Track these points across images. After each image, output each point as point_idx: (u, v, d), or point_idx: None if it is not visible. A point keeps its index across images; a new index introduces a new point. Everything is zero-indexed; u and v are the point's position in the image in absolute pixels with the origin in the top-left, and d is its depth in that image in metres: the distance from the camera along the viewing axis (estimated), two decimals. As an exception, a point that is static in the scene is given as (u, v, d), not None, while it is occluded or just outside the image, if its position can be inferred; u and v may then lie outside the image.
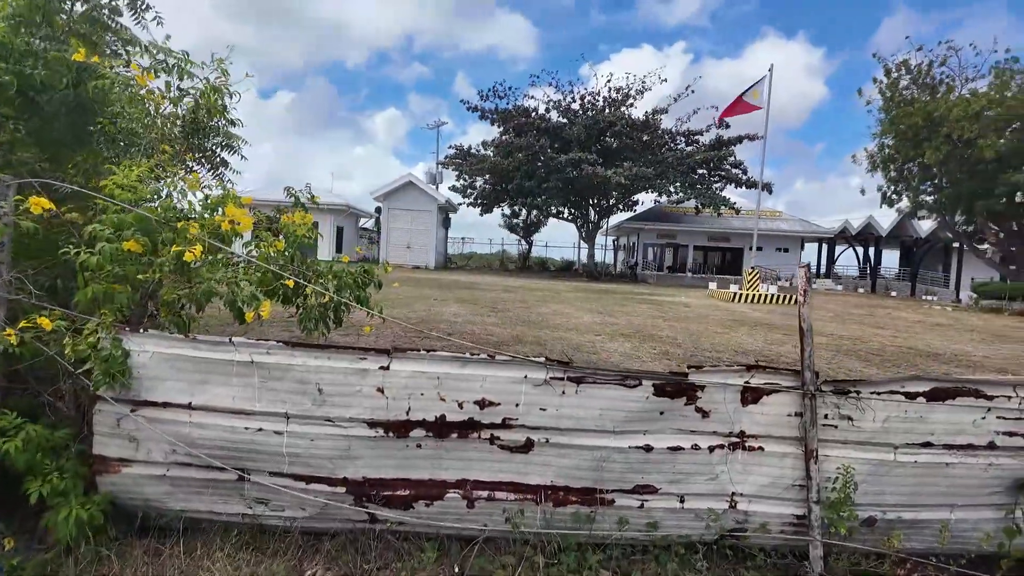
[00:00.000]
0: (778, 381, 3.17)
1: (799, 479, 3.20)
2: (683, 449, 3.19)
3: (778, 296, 20.60)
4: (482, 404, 3.09)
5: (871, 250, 39.33)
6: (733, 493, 3.24)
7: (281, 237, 4.01)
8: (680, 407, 3.17)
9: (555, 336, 9.43)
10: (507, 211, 38.64)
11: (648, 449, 3.17)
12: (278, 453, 3.19)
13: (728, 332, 11.54)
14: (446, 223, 36.89)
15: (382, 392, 3.09)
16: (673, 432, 3.19)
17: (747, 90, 22.97)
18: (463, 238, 45.41)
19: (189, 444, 3.18)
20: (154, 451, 3.22)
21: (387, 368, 3.08)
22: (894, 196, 28.64)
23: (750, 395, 3.17)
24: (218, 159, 5.39)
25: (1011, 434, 3.13)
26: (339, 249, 33.10)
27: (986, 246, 27.67)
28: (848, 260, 42.76)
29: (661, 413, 3.16)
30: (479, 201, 34.41)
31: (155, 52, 4.70)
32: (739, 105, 23.25)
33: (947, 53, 25.20)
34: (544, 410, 3.11)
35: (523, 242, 41.64)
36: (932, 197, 27.11)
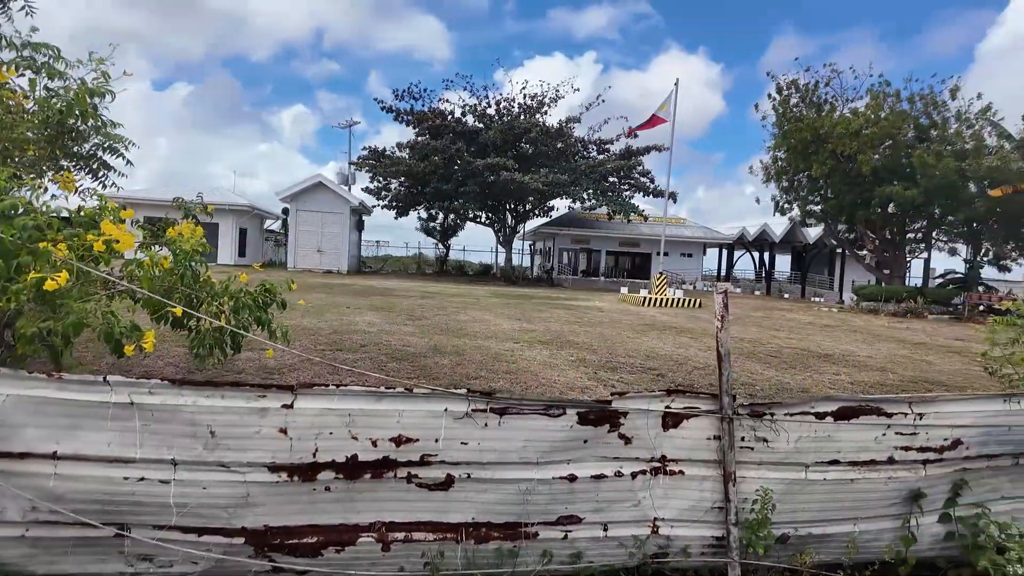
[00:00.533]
0: (697, 405, 3.17)
1: (718, 501, 3.21)
2: (607, 477, 3.12)
3: (684, 300, 21.52)
4: (399, 441, 2.87)
5: (766, 255, 42.12)
6: (655, 518, 3.21)
7: (168, 253, 3.59)
8: (603, 434, 3.10)
9: (474, 345, 9.28)
10: (424, 214, 38.09)
11: (572, 479, 3.08)
12: (164, 504, 2.81)
13: (640, 337, 11.86)
14: (359, 226, 35.78)
15: (285, 433, 2.79)
16: (597, 460, 3.12)
17: (659, 107, 23.94)
18: (378, 241, 44.24)
19: (55, 499, 2.73)
20: (9, 509, 2.74)
21: (290, 406, 2.79)
22: (786, 205, 30.82)
23: (671, 420, 3.15)
24: (97, 162, 4.82)
25: (907, 448, 3.30)
26: (242, 253, 31.28)
27: (864, 252, 30.32)
28: (746, 264, 45.61)
29: (585, 441, 3.08)
30: (394, 204, 33.67)
31: (20, 46, 4.10)
32: (652, 120, 24.19)
33: (831, 75, 27.43)
34: (465, 444, 2.94)
35: (440, 246, 41.19)
36: (819, 207, 29.40)
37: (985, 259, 27.50)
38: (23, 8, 4.29)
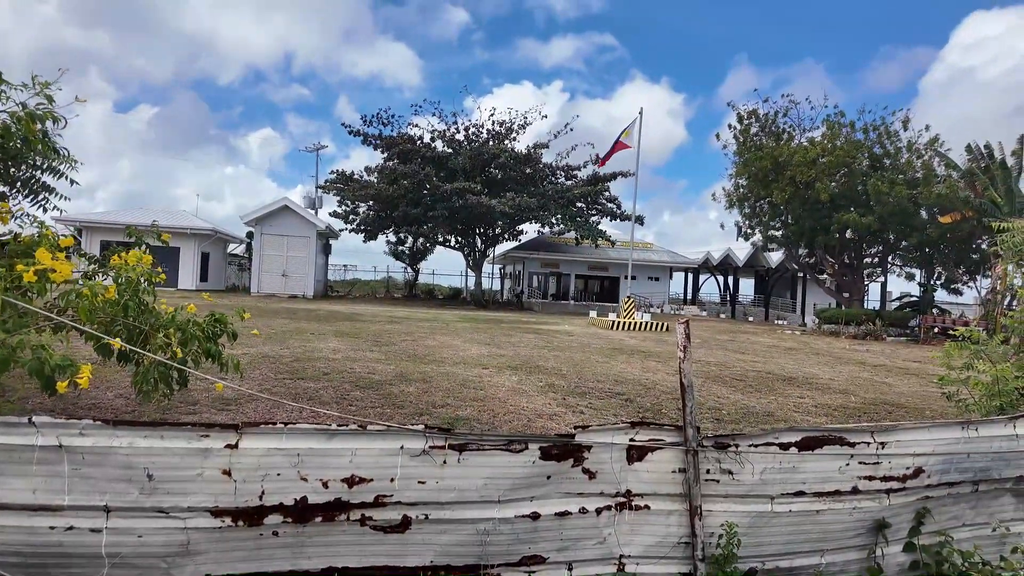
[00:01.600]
0: (662, 437, 3.10)
1: (685, 536, 3.13)
2: (571, 514, 3.01)
3: (651, 323, 21.68)
4: (351, 482, 2.72)
5: (730, 279, 42.95)
6: (621, 556, 3.10)
7: (111, 281, 3.39)
8: (567, 469, 3.00)
9: (442, 372, 9.12)
10: (393, 238, 37.85)
11: (535, 517, 2.96)
12: (95, 555, 2.59)
13: (608, 361, 11.84)
14: (326, 249, 35.32)
15: (229, 475, 2.62)
16: (560, 496, 3.01)
17: (621, 133, 24.37)
18: (345, 265, 43.71)
19: (-29, 552, 2.50)
20: (-81, 565, 2.50)
21: (235, 446, 2.62)
22: (748, 231, 31.58)
23: (635, 453, 3.07)
24: (37, 185, 4.59)
25: (871, 478, 3.28)
26: (204, 278, 30.52)
27: (825, 276, 31.15)
28: (711, 288, 46.40)
29: (548, 477, 2.97)
30: (363, 227, 33.38)
31: None
32: (616, 146, 24.60)
33: (788, 105, 28.46)
34: (423, 483, 2.80)
35: (410, 269, 40.90)
36: (780, 232, 30.20)
37: (938, 283, 28.53)
38: None
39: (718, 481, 3.13)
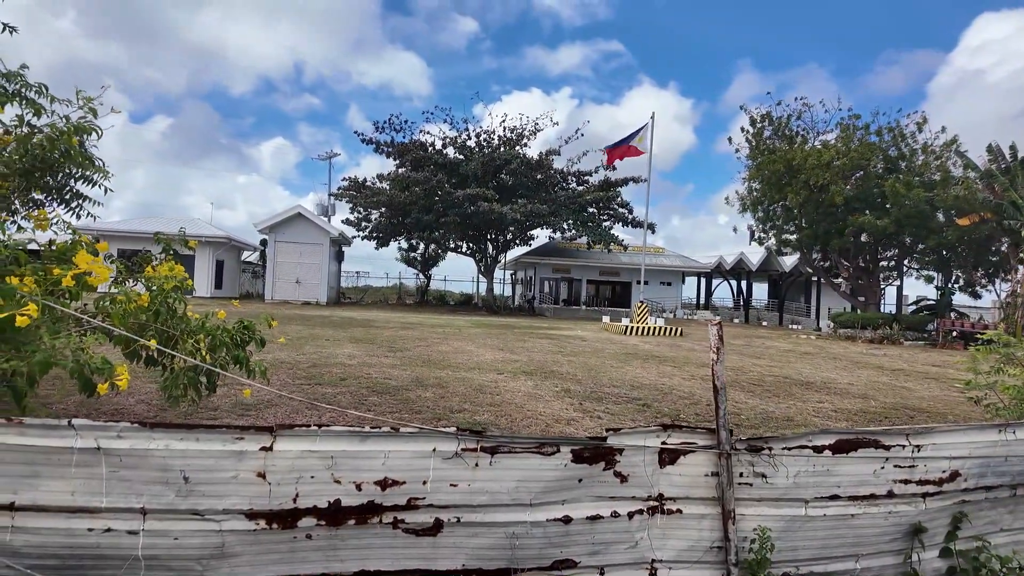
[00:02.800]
0: (695, 440, 3.08)
1: (717, 540, 3.10)
2: (602, 518, 2.99)
3: (665, 328, 21.58)
4: (384, 484, 2.72)
5: (743, 283, 42.65)
6: (653, 560, 3.08)
7: (143, 289, 3.43)
8: (599, 473, 2.98)
9: (457, 377, 9.12)
10: (404, 244, 37.98)
11: (567, 520, 2.94)
12: (132, 557, 2.61)
13: (623, 366, 11.80)
14: (339, 256, 35.52)
15: (263, 477, 2.63)
16: (592, 500, 2.99)
17: (632, 135, 24.30)
18: (358, 272, 43.90)
19: (10, 554, 2.52)
20: (-40, 566, 2.52)
21: (269, 449, 2.63)
22: (762, 235, 31.39)
23: (667, 456, 3.05)
24: (71, 193, 4.66)
25: (906, 481, 3.24)
26: (219, 285, 30.78)
27: (839, 280, 30.86)
28: (724, 292, 46.10)
29: (580, 480, 2.96)
30: (375, 234, 33.56)
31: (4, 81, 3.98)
32: (625, 149, 24.50)
33: (802, 108, 28.28)
34: (455, 486, 2.80)
35: (421, 276, 41.01)
36: (794, 236, 29.98)
37: (956, 286, 28.16)
38: (4, 29, 4.17)
39: (751, 485, 3.10)
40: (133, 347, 3.31)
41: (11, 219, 3.37)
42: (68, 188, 4.57)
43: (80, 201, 4.72)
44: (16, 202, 4.33)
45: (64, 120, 3.84)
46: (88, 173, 4.49)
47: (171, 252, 3.94)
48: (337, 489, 2.70)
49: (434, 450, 2.78)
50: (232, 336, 3.59)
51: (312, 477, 2.67)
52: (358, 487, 2.71)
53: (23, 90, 3.86)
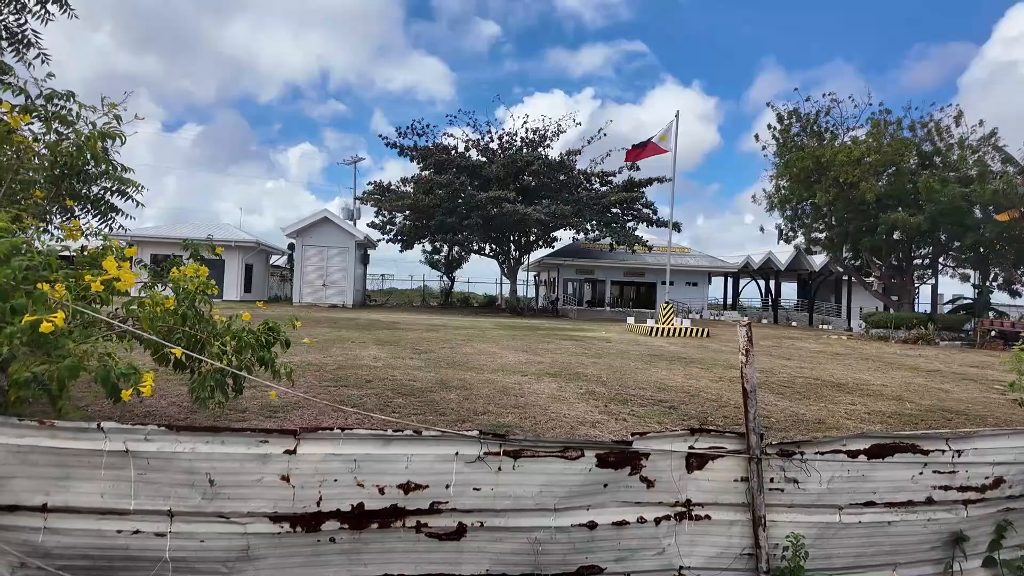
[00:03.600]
0: (723, 445, 3.00)
1: (748, 547, 3.01)
2: (628, 523, 2.93)
3: (691, 329, 21.29)
4: (407, 488, 2.70)
5: (772, 283, 41.91)
6: (681, 567, 3.00)
7: (171, 293, 3.48)
8: (624, 477, 2.92)
9: (481, 379, 9.10)
10: (428, 247, 38.20)
11: (592, 526, 2.89)
12: (159, 559, 2.64)
13: (649, 367, 11.64)
14: (364, 259, 35.87)
15: (287, 480, 2.64)
16: (618, 505, 2.94)
17: (656, 135, 24.05)
18: (383, 275, 44.35)
19: (43, 555, 2.57)
20: (-4, 566, 2.58)
21: (293, 452, 2.64)
22: (790, 233, 30.76)
23: (695, 461, 2.98)
24: (105, 204, 4.78)
25: (946, 488, 3.11)
26: (248, 289, 31.33)
27: (871, 279, 30.11)
28: (751, 292, 45.35)
29: (605, 485, 2.90)
30: (399, 237, 33.81)
31: (36, 96, 4.09)
32: (648, 148, 24.24)
33: (831, 104, 27.66)
34: (478, 490, 2.77)
35: (445, 278, 41.20)
36: (823, 235, 29.32)
37: (994, 284, 27.24)
38: (38, 56, 4.29)
39: (783, 490, 3.01)
40: (161, 351, 3.36)
41: (44, 227, 3.45)
42: (103, 201, 4.68)
43: (113, 213, 4.83)
44: (52, 210, 4.43)
45: (91, 126, 3.93)
46: (123, 187, 4.59)
47: (200, 257, 3.99)
48: (360, 492, 2.69)
49: (457, 454, 2.75)
50: (257, 338, 3.62)
51: (335, 480, 2.67)
52: (381, 491, 2.70)
53: (49, 103, 3.96)
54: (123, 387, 2.78)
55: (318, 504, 2.67)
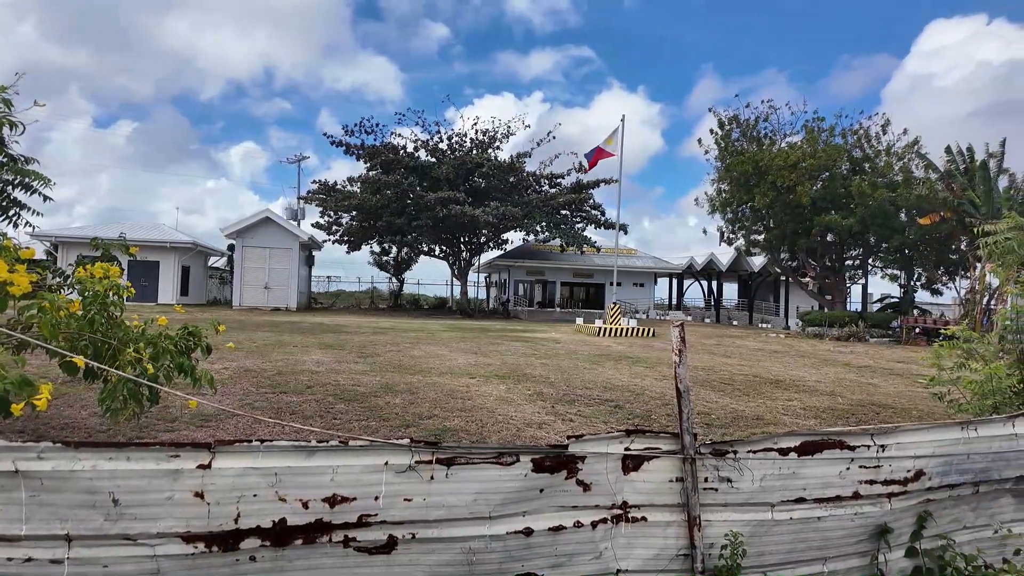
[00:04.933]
0: (658, 445, 2.99)
1: (684, 548, 3.01)
2: (565, 528, 2.88)
3: (637, 329, 21.66)
4: (333, 501, 2.56)
5: (714, 283, 43.18)
6: (618, 570, 2.98)
7: (77, 295, 3.22)
8: (561, 482, 2.87)
9: (428, 382, 8.96)
10: (377, 248, 37.57)
11: (528, 533, 2.83)
12: (57, 587, 2.41)
13: (596, 367, 11.75)
14: (309, 261, 34.96)
15: (202, 497, 2.46)
16: (554, 510, 2.88)
17: (603, 139, 24.43)
18: (328, 277, 43.34)
19: (-81, 589, 2.31)
20: None
21: (208, 466, 2.46)
22: (731, 235, 31.81)
23: (631, 463, 2.95)
24: (7, 200, 4.41)
25: (872, 482, 3.20)
26: (184, 292, 30.03)
27: (807, 279, 31.42)
28: (695, 293, 46.63)
29: (541, 491, 2.84)
30: (346, 238, 33.12)
31: None
32: (596, 152, 24.63)
33: (769, 110, 28.75)
34: (409, 501, 2.66)
35: (394, 280, 40.62)
36: (762, 236, 30.43)
37: (919, 284, 28.87)
38: None
39: (717, 490, 3.02)
40: (67, 359, 3.10)
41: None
42: (4, 196, 4.32)
43: (18, 210, 4.46)
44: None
45: None
46: (27, 180, 4.24)
47: (112, 257, 3.72)
48: (282, 508, 2.54)
49: (386, 464, 2.63)
50: (176, 343, 3.39)
51: (255, 496, 2.51)
52: (305, 505, 2.55)
53: None
54: (14, 401, 2.53)
55: (236, 521, 2.50)
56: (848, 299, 31.68)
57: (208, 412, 6.15)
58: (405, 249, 36.48)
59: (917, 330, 23.69)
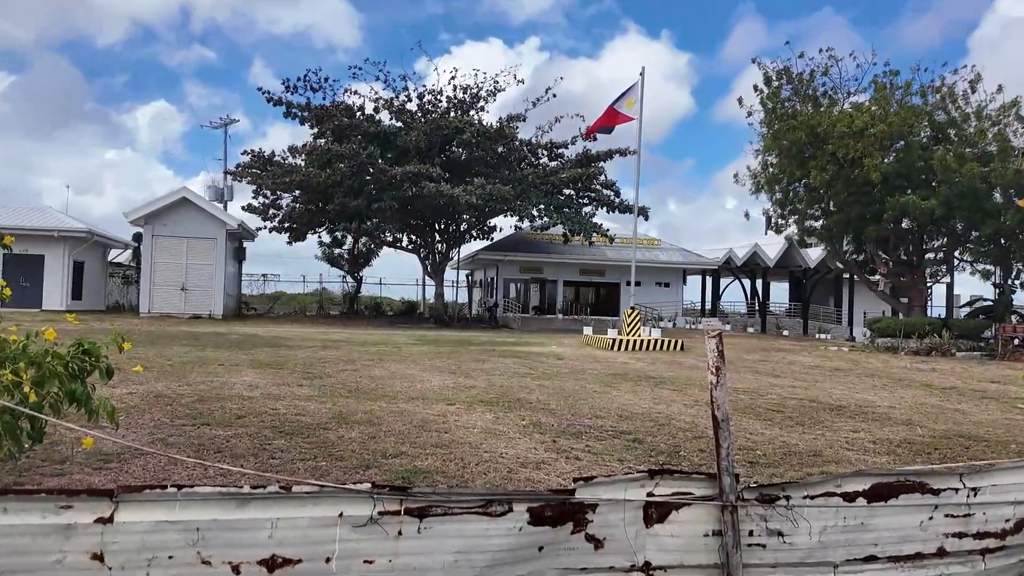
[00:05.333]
0: (690, 489, 3.01)
1: (722, 621, 3.03)
2: (571, 597, 2.90)
3: (661, 341, 21.78)
4: (272, 565, 2.56)
5: (758, 283, 43.51)
6: (640, 652, 2.99)
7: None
8: (566, 537, 2.89)
9: (394, 410, 9.00)
10: (327, 238, 37.58)
11: (523, 603, 2.84)
12: None
13: (609, 390, 11.83)
14: (239, 254, 34.91)
15: (101, 559, 2.45)
16: (557, 573, 2.90)
17: (618, 98, 24.47)
18: (264, 275, 43.28)
19: None
20: None
21: (109, 520, 2.45)
22: (780, 221, 31.97)
23: (655, 511, 2.98)
24: None
25: (961, 535, 3.23)
26: (77, 295, 29.92)
27: (877, 277, 31.68)
28: (734, 294, 46.94)
29: (540, 549, 2.86)
30: (287, 225, 33.13)
31: None
32: (610, 116, 24.63)
33: (828, 62, 28.88)
34: (370, 563, 2.66)
35: (349, 278, 40.69)
36: (820, 222, 30.60)
37: (1018, 283, 29.14)
38: None
39: (764, 546, 3.05)
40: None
41: None
42: None
43: None
44: None
45: None
46: None
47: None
48: (206, 573, 2.54)
49: (341, 515, 2.64)
50: (67, 364, 3.37)
51: (170, 558, 2.51)
52: (236, 570, 2.55)
53: None
54: None
55: (146, 591, 2.50)
56: (929, 302, 32.01)
57: (109, 450, 6.13)
58: (363, 239, 36.51)
59: (1016, 341, 23.97)
